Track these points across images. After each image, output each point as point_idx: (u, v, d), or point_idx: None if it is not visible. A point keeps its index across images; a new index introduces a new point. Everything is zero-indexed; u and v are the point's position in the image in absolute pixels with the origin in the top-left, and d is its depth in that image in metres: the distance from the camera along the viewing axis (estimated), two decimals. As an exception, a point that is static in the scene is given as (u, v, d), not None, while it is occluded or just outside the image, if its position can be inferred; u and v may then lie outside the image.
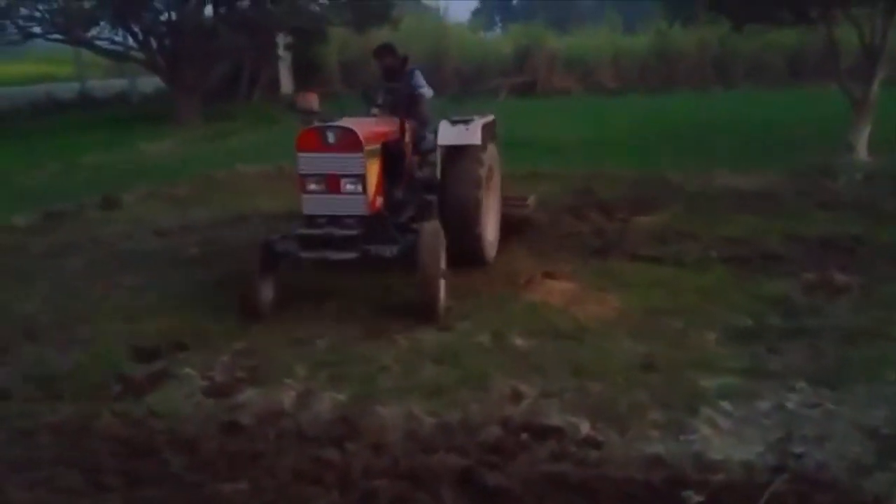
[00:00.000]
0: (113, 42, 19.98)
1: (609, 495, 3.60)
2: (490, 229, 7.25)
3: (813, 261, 7.00)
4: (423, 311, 5.81)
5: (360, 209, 5.97)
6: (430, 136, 7.21)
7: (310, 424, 4.35)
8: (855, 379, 4.71)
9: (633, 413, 4.39)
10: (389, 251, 5.98)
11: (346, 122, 6.10)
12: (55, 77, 29.23)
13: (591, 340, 5.44)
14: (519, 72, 25.63)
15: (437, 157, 6.96)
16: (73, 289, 6.94)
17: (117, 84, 25.44)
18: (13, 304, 6.59)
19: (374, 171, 6.07)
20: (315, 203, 6.01)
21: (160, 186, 11.39)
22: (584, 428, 4.25)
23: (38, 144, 15.77)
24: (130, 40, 19.47)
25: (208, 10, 19.78)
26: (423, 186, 7.07)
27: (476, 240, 6.85)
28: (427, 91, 7.29)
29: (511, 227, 7.89)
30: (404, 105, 7.12)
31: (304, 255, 6.02)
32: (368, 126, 6.31)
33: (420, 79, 7.29)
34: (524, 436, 4.17)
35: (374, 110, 7.14)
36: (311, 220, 6.03)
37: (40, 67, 32.71)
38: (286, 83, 23.39)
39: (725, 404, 4.45)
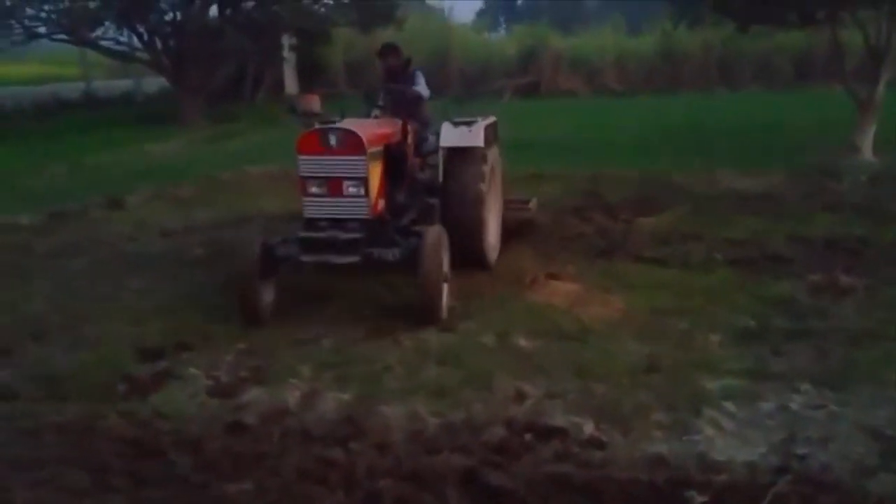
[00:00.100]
0: (118, 42, 20.06)
1: (612, 496, 3.60)
2: (492, 233, 7.20)
3: (818, 262, 6.99)
4: (424, 316, 5.77)
5: (362, 212, 5.90)
6: (431, 138, 7.16)
7: (314, 424, 4.35)
8: (859, 380, 4.70)
9: (637, 414, 4.38)
10: (392, 255, 5.89)
11: (347, 123, 6.02)
12: (60, 77, 29.28)
13: (595, 341, 5.44)
14: (523, 73, 25.64)
15: (439, 159, 6.90)
16: (77, 289, 6.96)
17: (122, 85, 25.50)
18: (18, 303, 6.61)
19: (376, 173, 6.01)
20: (316, 206, 5.93)
21: (164, 187, 11.41)
22: (588, 428, 4.25)
23: (42, 145, 15.81)
24: (135, 41, 19.53)
25: (213, 10, 19.84)
26: (425, 189, 7.02)
27: (478, 243, 6.79)
28: (423, 90, 7.19)
29: (512, 231, 7.83)
30: (405, 106, 7.05)
31: (305, 258, 5.93)
32: (370, 128, 6.25)
33: (420, 79, 7.22)
34: (528, 436, 4.17)
35: (375, 111, 7.05)
36: (312, 224, 5.96)
37: (45, 68, 32.81)
38: (291, 84, 23.43)
39: (729, 405, 4.45)
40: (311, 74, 23.60)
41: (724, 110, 18.62)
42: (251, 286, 5.84)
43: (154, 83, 23.59)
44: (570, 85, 25.26)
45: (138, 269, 7.48)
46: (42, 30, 18.62)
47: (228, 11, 19.88)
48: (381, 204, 6.15)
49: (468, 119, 6.91)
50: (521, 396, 4.65)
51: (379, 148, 6.12)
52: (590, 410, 4.43)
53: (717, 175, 10.87)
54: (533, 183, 10.41)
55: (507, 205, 7.94)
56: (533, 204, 8.38)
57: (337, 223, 5.92)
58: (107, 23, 19.08)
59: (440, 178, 6.88)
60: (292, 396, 4.74)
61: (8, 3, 17.45)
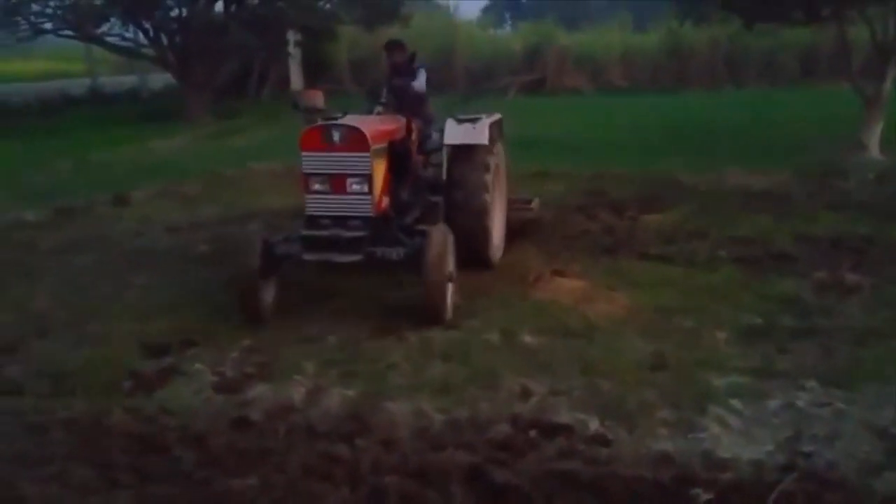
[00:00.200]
0: (123, 38, 20.09)
1: (618, 493, 3.60)
2: (496, 232, 7.11)
3: (823, 261, 6.97)
4: (429, 317, 5.70)
5: (366, 210, 5.83)
6: (434, 136, 7.09)
7: (319, 421, 4.36)
8: (865, 378, 4.69)
9: (643, 411, 4.39)
10: (396, 254, 5.81)
11: (350, 120, 5.97)
12: (66, 74, 29.36)
13: (600, 339, 5.44)
14: (529, 70, 25.60)
15: (443, 156, 6.82)
16: (83, 285, 6.98)
17: (128, 81, 25.52)
18: (24, 300, 6.63)
19: (380, 170, 5.94)
20: (319, 203, 5.86)
21: (170, 184, 11.42)
22: (593, 425, 4.25)
23: (48, 141, 15.84)
24: (141, 37, 19.55)
25: (219, 6, 19.84)
26: (428, 187, 6.95)
27: (483, 242, 6.72)
28: (419, 86, 7.09)
29: (515, 231, 7.74)
30: (408, 104, 6.99)
31: (308, 256, 5.84)
32: (374, 124, 6.19)
33: (421, 76, 7.13)
34: (533, 433, 4.18)
35: (378, 108, 7.00)
36: (315, 221, 5.87)
37: (51, 64, 32.85)
38: (296, 80, 23.43)
39: (735, 403, 4.45)
40: (316, 71, 23.60)
41: (729, 107, 18.57)
42: (252, 285, 5.78)
43: (160, 79, 23.61)
44: (576, 82, 25.20)
45: (143, 266, 7.49)
46: (48, 26, 18.66)
47: (233, 8, 19.89)
48: (385, 201, 6.09)
49: (472, 116, 6.82)
50: (526, 393, 4.65)
51: (383, 145, 6.06)
52: (595, 407, 4.44)
53: (724, 173, 10.83)
54: (538, 180, 10.41)
55: (510, 205, 7.83)
56: (535, 204, 8.28)
57: (340, 221, 5.84)
58: (112, 19, 19.12)
59: (444, 177, 6.80)
60: (297, 393, 4.75)
61: (14, 0, 17.48)
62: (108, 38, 19.80)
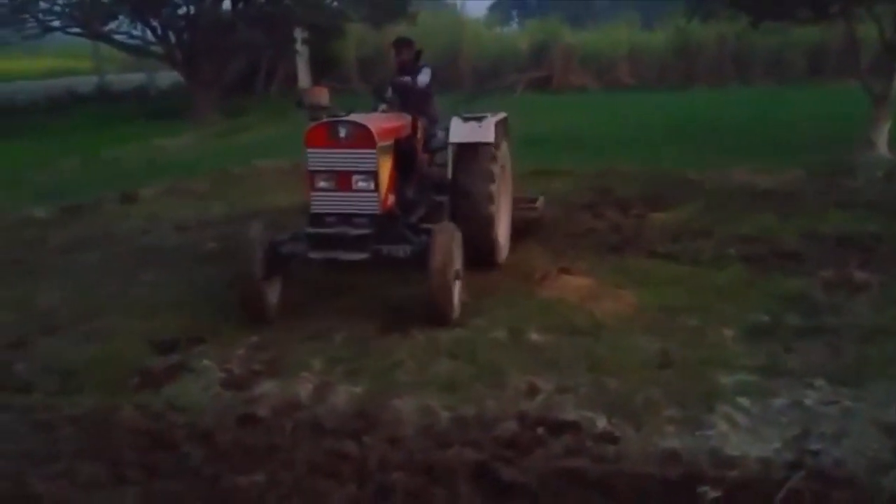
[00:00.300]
0: (131, 36, 20.14)
1: (625, 490, 3.60)
2: (502, 231, 7.05)
3: (831, 259, 6.94)
4: (435, 316, 5.63)
5: (372, 207, 5.79)
6: (440, 134, 7.03)
7: (326, 417, 4.37)
8: (873, 376, 4.68)
9: (650, 409, 4.38)
10: (402, 252, 5.76)
11: (356, 117, 5.93)
12: (74, 71, 29.45)
13: (607, 336, 5.43)
14: (535, 68, 25.57)
15: (448, 155, 6.74)
16: (90, 283, 7.00)
17: (135, 78, 25.59)
18: (32, 297, 6.66)
19: (386, 168, 5.89)
20: (325, 201, 5.82)
21: (177, 181, 11.45)
22: (601, 423, 4.25)
23: (56, 138, 15.90)
24: (149, 34, 19.59)
25: (226, 4, 19.88)
26: (434, 186, 6.89)
27: (489, 242, 6.65)
28: (422, 81, 7.00)
29: (520, 230, 7.70)
30: (413, 102, 6.94)
31: (313, 255, 5.80)
32: (380, 121, 6.14)
33: (424, 73, 7.06)
34: (540, 430, 4.18)
35: (383, 106, 6.94)
36: (320, 219, 5.83)
37: (59, 62, 32.98)
38: (303, 78, 23.44)
39: (742, 401, 4.44)
40: (323, 69, 23.62)
41: (737, 105, 18.51)
42: (253, 287, 5.71)
43: (167, 77, 23.67)
44: (582, 80, 25.17)
45: (151, 263, 7.52)
46: (56, 23, 18.72)
47: (241, 5, 19.93)
48: (391, 199, 6.04)
49: (478, 115, 6.78)
50: (533, 391, 4.65)
51: (389, 142, 6.02)
52: (602, 405, 4.43)
53: (731, 171, 10.79)
54: (544, 178, 10.38)
55: (514, 203, 7.75)
56: (540, 203, 8.22)
57: (345, 219, 5.80)
58: (120, 16, 19.16)
59: (449, 175, 6.72)
60: (304, 390, 4.76)
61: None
62: (116, 36, 19.86)
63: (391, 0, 20.48)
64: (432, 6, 28.48)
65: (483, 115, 6.80)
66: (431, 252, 5.54)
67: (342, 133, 5.72)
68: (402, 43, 7.41)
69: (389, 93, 7.03)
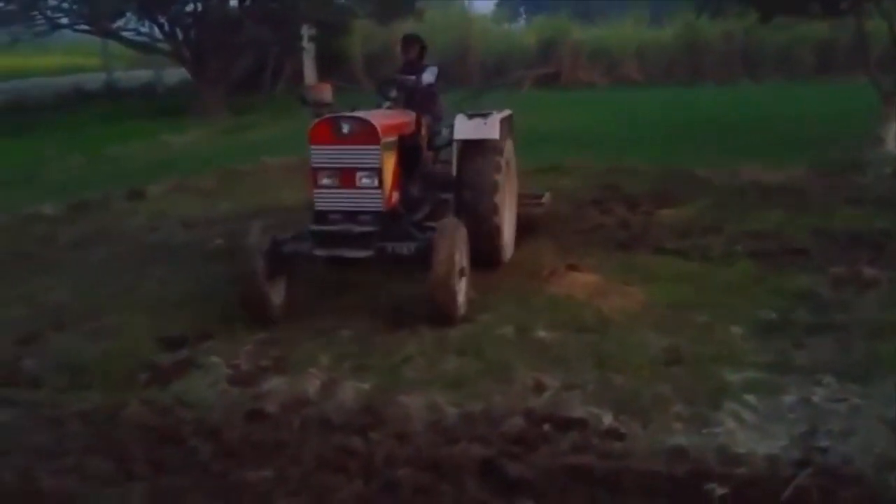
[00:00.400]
0: (139, 33, 20.17)
1: (632, 488, 3.59)
2: (507, 230, 6.98)
3: (840, 255, 6.92)
4: (437, 315, 5.55)
5: (376, 205, 5.74)
6: (444, 131, 6.98)
7: (334, 413, 4.38)
8: (882, 373, 4.66)
9: (657, 406, 4.37)
10: (407, 249, 5.71)
11: (359, 113, 5.89)
12: (82, 68, 29.50)
13: (614, 333, 5.42)
14: (543, 64, 25.52)
15: (453, 152, 6.68)
16: (99, 279, 7.03)
17: (143, 75, 25.62)
18: (40, 293, 6.69)
19: (390, 164, 5.85)
20: (328, 198, 5.77)
21: (185, 178, 11.47)
22: (607, 420, 4.24)
23: (64, 135, 15.92)
24: (156, 31, 19.62)
25: (233, 1, 19.89)
26: (438, 183, 6.82)
27: (493, 241, 6.58)
28: (427, 79, 6.95)
29: (526, 227, 7.65)
30: (418, 99, 6.90)
31: (318, 252, 5.76)
32: (384, 117, 6.10)
33: (429, 72, 7.03)
34: (547, 427, 4.17)
35: (387, 104, 6.84)
36: (324, 216, 5.79)
37: (67, 58, 33.04)
38: (310, 75, 23.42)
39: (750, 398, 4.42)
40: (330, 65, 23.61)
41: (746, 102, 18.46)
42: (255, 289, 5.64)
43: (175, 74, 23.68)
44: (590, 76, 25.12)
45: (159, 260, 7.54)
46: (64, 21, 18.79)
47: (248, 2, 19.93)
48: (395, 197, 6.00)
49: (483, 112, 6.72)
50: (540, 387, 4.65)
51: (393, 138, 5.97)
52: (609, 402, 4.43)
53: (739, 167, 10.75)
54: (552, 175, 10.36)
55: (520, 199, 7.68)
56: (546, 198, 8.15)
57: (349, 216, 5.76)
58: (128, 14, 19.19)
59: (454, 173, 6.65)
60: (312, 386, 4.76)
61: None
62: (124, 33, 19.88)
63: (398, -4, 20.48)
64: (440, 3, 28.40)
65: (488, 111, 6.75)
66: (434, 247, 5.47)
67: (345, 129, 5.67)
68: (410, 40, 7.39)
69: (394, 91, 6.95)
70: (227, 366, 5.11)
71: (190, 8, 19.23)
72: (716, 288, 6.24)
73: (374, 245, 5.70)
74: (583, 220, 8.52)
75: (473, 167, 6.57)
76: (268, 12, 19.24)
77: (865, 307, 5.78)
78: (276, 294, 5.87)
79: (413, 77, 6.94)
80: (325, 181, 5.76)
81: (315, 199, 5.83)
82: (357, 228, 5.72)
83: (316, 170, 5.77)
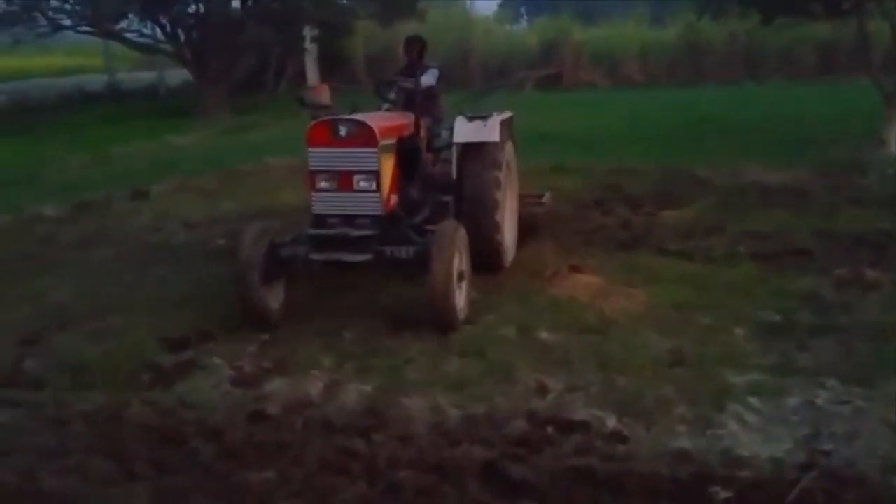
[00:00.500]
0: (141, 34, 20.19)
1: (635, 490, 3.58)
2: (508, 233, 6.93)
3: (843, 257, 6.90)
4: (436, 320, 5.46)
5: (375, 208, 5.68)
6: (444, 134, 6.91)
7: (336, 415, 4.38)
8: (886, 376, 4.64)
9: (660, 408, 4.36)
10: (406, 253, 5.63)
11: (357, 115, 5.84)
12: (85, 69, 29.52)
13: (617, 335, 5.41)
14: (545, 65, 25.50)
15: (453, 155, 6.61)
16: (101, 279, 7.03)
17: (146, 77, 25.65)
18: (43, 294, 6.69)
19: (388, 167, 5.78)
20: (326, 201, 5.71)
21: (187, 179, 11.47)
22: (611, 422, 4.24)
23: (67, 136, 15.96)
24: (159, 33, 19.63)
25: (235, 2, 19.91)
26: (438, 186, 6.74)
27: (494, 244, 6.51)
28: (426, 81, 6.87)
29: (528, 228, 7.62)
30: (418, 101, 6.83)
31: (315, 256, 5.69)
32: (382, 120, 6.04)
33: (429, 76, 6.95)
34: (550, 429, 4.17)
35: (386, 106, 6.82)
36: (322, 220, 5.73)
37: (70, 60, 33.05)
38: (312, 76, 23.43)
39: (754, 400, 4.42)
40: (332, 66, 23.62)
41: (748, 102, 18.44)
42: (252, 296, 5.59)
43: (177, 75, 23.71)
44: (592, 77, 25.11)
45: (161, 260, 7.54)
46: (67, 22, 18.79)
47: (250, 3, 19.94)
48: (394, 200, 5.93)
49: (483, 114, 6.66)
50: (543, 389, 4.64)
51: (391, 140, 5.91)
52: (612, 404, 4.42)
53: (742, 168, 10.73)
54: (554, 175, 10.35)
55: (521, 199, 7.62)
56: (547, 198, 8.13)
57: (347, 219, 5.69)
58: (131, 15, 19.20)
59: (454, 176, 6.59)
60: (314, 387, 4.76)
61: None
62: (126, 35, 19.89)
63: (400, -3, 20.48)
64: (442, 3, 28.39)
65: (488, 113, 6.69)
66: (432, 250, 5.41)
67: (343, 131, 5.61)
68: (413, 41, 7.37)
69: (392, 93, 6.89)
70: (230, 367, 5.11)
71: (192, 9, 19.22)
72: (718, 289, 6.23)
73: (372, 249, 5.63)
74: (585, 220, 8.51)
75: (473, 170, 6.51)
76: (270, 13, 19.25)
77: (868, 309, 5.77)
78: (275, 298, 5.83)
79: (412, 80, 6.88)
80: (323, 184, 5.70)
81: (312, 203, 5.78)
82: (355, 232, 5.66)
83: (313, 173, 5.71)
